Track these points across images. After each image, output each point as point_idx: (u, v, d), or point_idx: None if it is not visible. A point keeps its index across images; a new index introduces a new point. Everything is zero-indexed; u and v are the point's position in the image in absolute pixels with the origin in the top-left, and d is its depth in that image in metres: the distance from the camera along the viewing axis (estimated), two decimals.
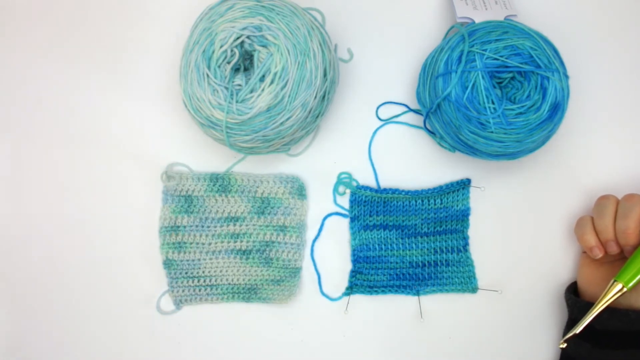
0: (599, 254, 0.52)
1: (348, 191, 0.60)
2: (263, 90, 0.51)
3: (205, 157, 0.60)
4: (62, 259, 0.59)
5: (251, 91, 0.51)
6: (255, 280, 0.59)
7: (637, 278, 0.49)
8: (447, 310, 0.58)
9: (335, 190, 0.60)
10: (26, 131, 0.60)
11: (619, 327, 0.50)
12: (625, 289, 0.49)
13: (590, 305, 0.52)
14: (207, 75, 0.52)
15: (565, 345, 0.51)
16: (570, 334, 0.51)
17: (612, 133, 0.60)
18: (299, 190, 0.59)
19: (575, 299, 0.54)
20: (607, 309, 0.51)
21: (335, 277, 0.59)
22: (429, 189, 0.59)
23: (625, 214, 0.51)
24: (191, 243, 0.59)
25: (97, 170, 0.60)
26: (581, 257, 0.57)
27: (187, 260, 0.59)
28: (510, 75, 0.53)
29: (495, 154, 0.54)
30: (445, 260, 0.59)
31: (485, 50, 0.52)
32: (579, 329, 0.50)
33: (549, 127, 0.53)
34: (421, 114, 0.60)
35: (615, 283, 0.50)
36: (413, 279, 0.59)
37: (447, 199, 0.59)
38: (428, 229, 0.59)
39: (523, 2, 0.61)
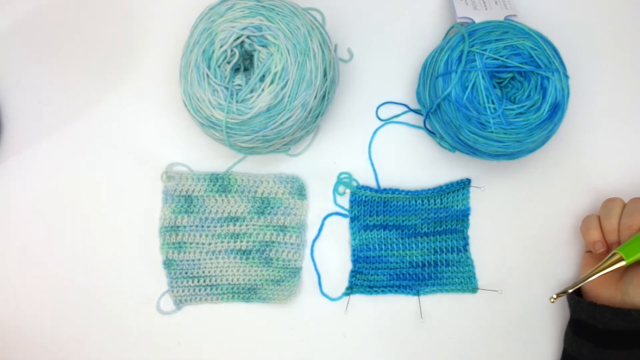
0: (601, 248, 0.53)
1: (348, 191, 0.60)
2: (263, 90, 0.51)
3: (205, 157, 0.60)
4: (62, 258, 0.59)
5: (251, 91, 0.51)
6: (255, 280, 0.59)
7: (638, 255, 0.50)
8: (447, 310, 0.58)
9: (335, 190, 0.60)
10: (26, 131, 0.60)
11: (622, 327, 0.50)
12: (624, 262, 0.50)
13: (593, 305, 0.52)
14: (207, 75, 0.52)
15: (554, 300, 0.51)
16: (561, 291, 0.51)
17: (612, 133, 0.60)
18: (299, 190, 0.59)
19: (578, 299, 0.54)
20: (610, 309, 0.51)
21: (335, 277, 0.59)
22: (429, 189, 0.59)
23: (631, 213, 0.52)
24: (191, 243, 0.59)
25: (97, 170, 0.60)
26: (584, 257, 0.57)
27: (187, 260, 0.59)
28: (510, 75, 0.53)
29: (495, 154, 0.54)
30: (445, 260, 0.59)
31: (485, 50, 0.52)
32: (571, 289, 0.51)
33: (549, 127, 0.53)
34: (421, 114, 0.60)
35: (615, 254, 0.50)
36: (413, 279, 0.59)
37: (447, 199, 0.59)
38: (428, 229, 0.59)
39: (523, 2, 0.61)
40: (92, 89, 0.61)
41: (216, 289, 0.59)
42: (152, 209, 0.59)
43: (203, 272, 0.59)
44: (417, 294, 0.59)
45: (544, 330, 0.58)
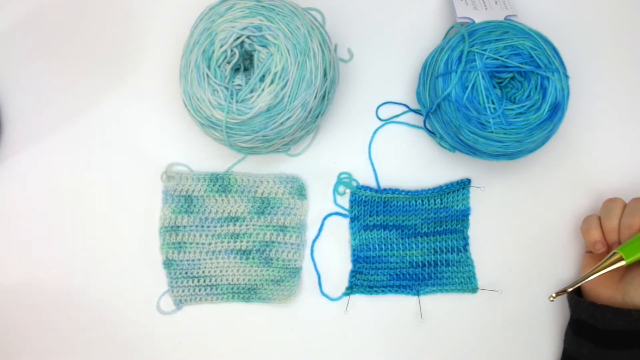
0: (601, 248, 0.53)
1: (348, 191, 0.60)
2: (263, 90, 0.51)
3: (205, 157, 0.60)
4: (62, 258, 0.59)
5: (251, 91, 0.51)
6: (255, 280, 0.59)
7: (638, 255, 0.50)
8: (447, 310, 0.58)
9: (335, 190, 0.60)
10: (26, 131, 0.60)
11: (622, 327, 0.50)
12: (624, 262, 0.50)
13: (593, 305, 0.52)
14: (207, 75, 0.52)
15: (554, 298, 0.51)
16: (561, 290, 0.52)
17: (612, 133, 0.60)
18: (299, 190, 0.59)
19: (578, 299, 0.54)
20: (610, 309, 0.51)
21: (335, 277, 0.59)
22: (429, 189, 0.59)
23: (632, 213, 0.52)
24: (191, 243, 0.59)
25: (98, 171, 0.60)
26: (584, 257, 0.57)
27: (187, 260, 0.59)
28: (510, 75, 0.53)
29: (495, 154, 0.54)
30: (445, 260, 0.59)
31: (485, 50, 0.52)
32: (570, 288, 0.51)
33: (549, 127, 0.53)
34: (421, 114, 0.60)
35: (615, 254, 0.50)
36: (413, 279, 0.59)
37: (447, 199, 0.59)
38: (428, 229, 0.59)
39: (523, 2, 0.61)
40: (92, 89, 0.61)
41: (216, 289, 0.59)
42: (152, 209, 0.59)
43: (203, 272, 0.59)
44: (417, 294, 0.59)
45: (544, 330, 0.58)
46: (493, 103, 0.51)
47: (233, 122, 0.51)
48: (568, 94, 0.53)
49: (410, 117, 0.61)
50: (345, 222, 0.60)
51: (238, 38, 0.52)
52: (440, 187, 0.59)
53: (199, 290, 0.59)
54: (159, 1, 0.62)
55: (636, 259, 0.50)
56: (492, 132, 0.52)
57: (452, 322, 0.58)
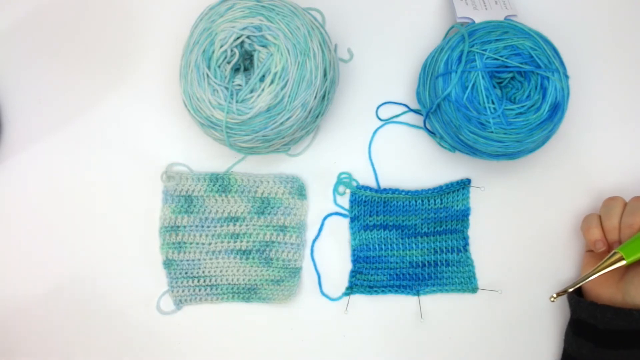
0: (602, 247, 0.53)
1: (348, 191, 0.60)
2: (263, 90, 0.51)
3: (205, 157, 0.60)
4: (62, 258, 0.59)
5: (251, 91, 0.51)
6: (255, 280, 0.59)
7: (638, 255, 0.50)
8: (447, 310, 0.58)
9: (335, 190, 0.60)
10: (26, 131, 0.60)
11: (622, 327, 0.50)
12: (624, 262, 0.50)
13: (594, 305, 0.52)
14: (207, 75, 0.52)
15: (555, 299, 0.51)
16: (561, 290, 0.52)
17: (612, 133, 0.60)
18: (299, 190, 0.59)
19: (578, 299, 0.54)
20: (611, 309, 0.51)
21: (335, 277, 0.59)
22: (429, 189, 0.59)
23: (632, 212, 0.52)
24: (191, 243, 0.59)
25: (97, 171, 0.60)
26: (585, 257, 0.57)
27: (187, 260, 0.59)
28: (510, 75, 0.53)
29: (495, 154, 0.54)
30: (445, 260, 0.59)
31: (485, 50, 0.52)
32: (571, 288, 0.51)
33: (549, 127, 0.53)
34: (421, 114, 0.60)
35: (616, 253, 0.50)
36: (413, 279, 0.59)
37: (447, 199, 0.59)
38: (428, 229, 0.59)
39: (523, 2, 0.61)
40: (92, 89, 0.61)
41: (216, 289, 0.59)
42: (152, 209, 0.59)
43: (203, 272, 0.59)
44: (417, 294, 0.59)
45: (544, 330, 0.58)
46: (493, 103, 0.51)
47: (233, 122, 0.51)
48: (568, 94, 0.53)
49: (410, 117, 0.61)
50: (345, 222, 0.60)
51: (238, 38, 0.52)
52: (440, 187, 0.59)
53: (199, 290, 0.59)
54: (159, 1, 0.62)
55: (637, 259, 0.50)
56: (492, 132, 0.52)
57: (452, 322, 0.58)
